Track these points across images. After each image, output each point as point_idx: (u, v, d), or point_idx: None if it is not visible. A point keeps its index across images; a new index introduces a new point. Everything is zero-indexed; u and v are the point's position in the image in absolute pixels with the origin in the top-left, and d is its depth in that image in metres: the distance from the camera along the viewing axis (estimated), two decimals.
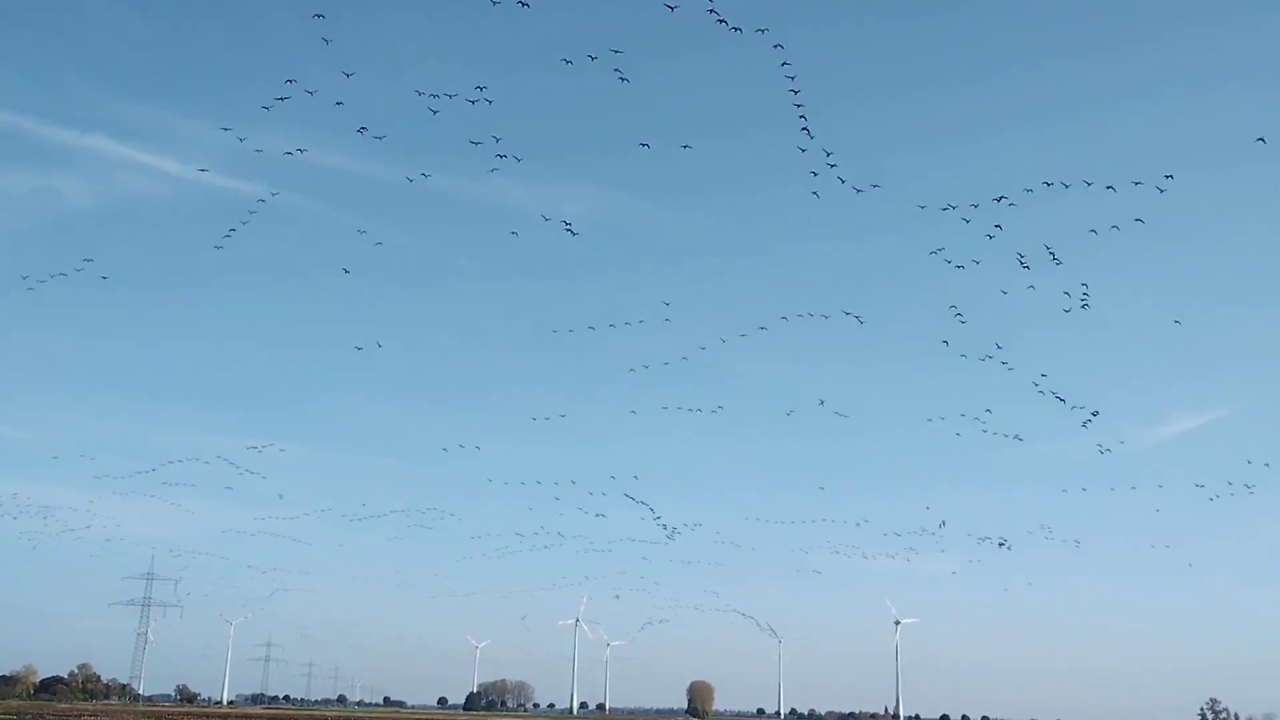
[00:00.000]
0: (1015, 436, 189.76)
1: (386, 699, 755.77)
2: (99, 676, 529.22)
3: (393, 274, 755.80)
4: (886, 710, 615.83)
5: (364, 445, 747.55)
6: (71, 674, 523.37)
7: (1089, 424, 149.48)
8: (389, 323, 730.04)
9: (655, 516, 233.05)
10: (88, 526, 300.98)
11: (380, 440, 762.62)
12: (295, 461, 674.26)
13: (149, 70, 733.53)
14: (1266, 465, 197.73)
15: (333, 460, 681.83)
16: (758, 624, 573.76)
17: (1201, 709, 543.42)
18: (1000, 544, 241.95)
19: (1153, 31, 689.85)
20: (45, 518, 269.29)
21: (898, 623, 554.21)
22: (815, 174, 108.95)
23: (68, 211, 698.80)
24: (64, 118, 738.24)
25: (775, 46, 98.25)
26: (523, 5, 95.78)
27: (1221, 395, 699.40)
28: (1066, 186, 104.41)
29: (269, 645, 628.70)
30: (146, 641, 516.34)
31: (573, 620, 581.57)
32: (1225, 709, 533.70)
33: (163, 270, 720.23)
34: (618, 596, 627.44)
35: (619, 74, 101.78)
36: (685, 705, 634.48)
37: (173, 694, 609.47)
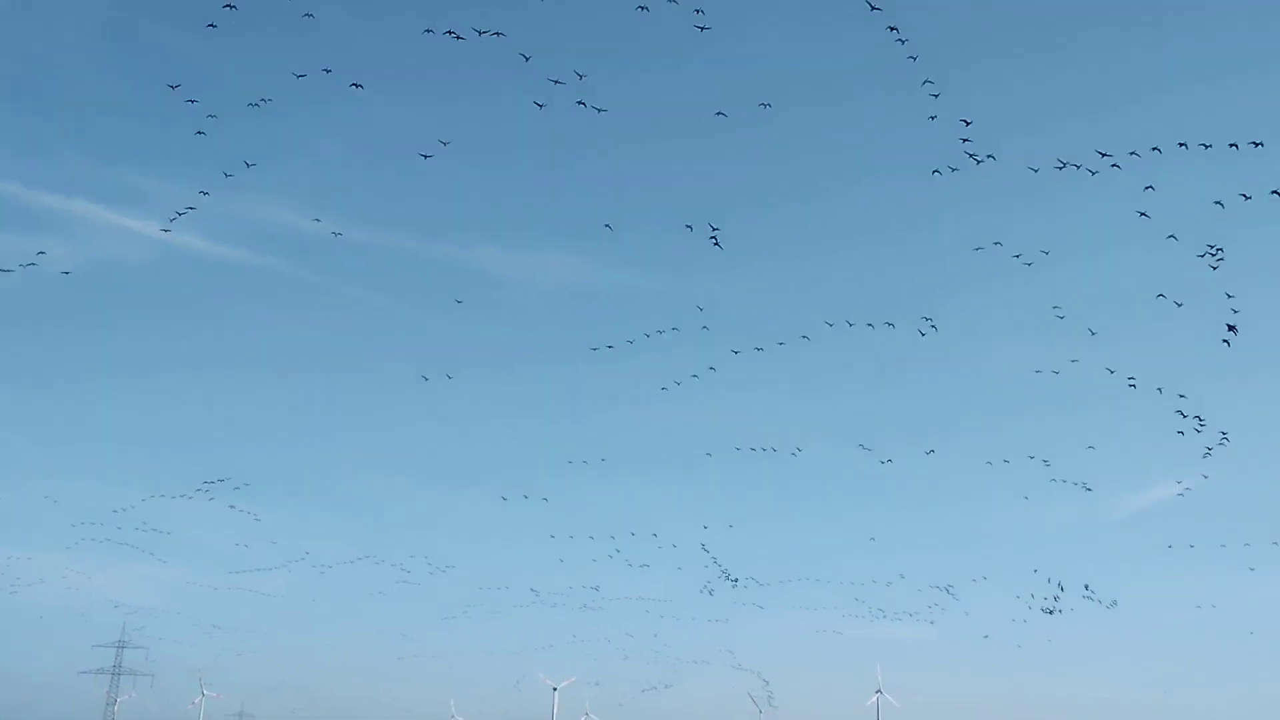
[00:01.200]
0: (1084, 485, 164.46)
1: None
2: None
3: (375, 332, 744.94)
4: None
5: (368, 501, 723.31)
6: None
7: (1211, 453, 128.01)
8: (381, 386, 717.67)
9: (722, 571, 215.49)
10: (40, 580, 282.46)
11: (380, 497, 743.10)
12: (281, 520, 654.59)
13: (133, 135, 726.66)
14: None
15: (345, 517, 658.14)
16: (753, 696, 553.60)
17: None
18: (1050, 610, 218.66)
19: None
20: None
21: (879, 692, 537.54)
22: (953, 169, 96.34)
23: (48, 275, 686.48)
24: (49, 182, 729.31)
25: (872, 9, 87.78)
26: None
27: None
28: (1207, 147, 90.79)
29: (241, 715, 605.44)
30: (115, 712, 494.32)
31: (553, 686, 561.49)
32: None
33: (142, 331, 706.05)
34: (626, 657, 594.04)
35: (700, 19, 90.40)
36: None
37: None
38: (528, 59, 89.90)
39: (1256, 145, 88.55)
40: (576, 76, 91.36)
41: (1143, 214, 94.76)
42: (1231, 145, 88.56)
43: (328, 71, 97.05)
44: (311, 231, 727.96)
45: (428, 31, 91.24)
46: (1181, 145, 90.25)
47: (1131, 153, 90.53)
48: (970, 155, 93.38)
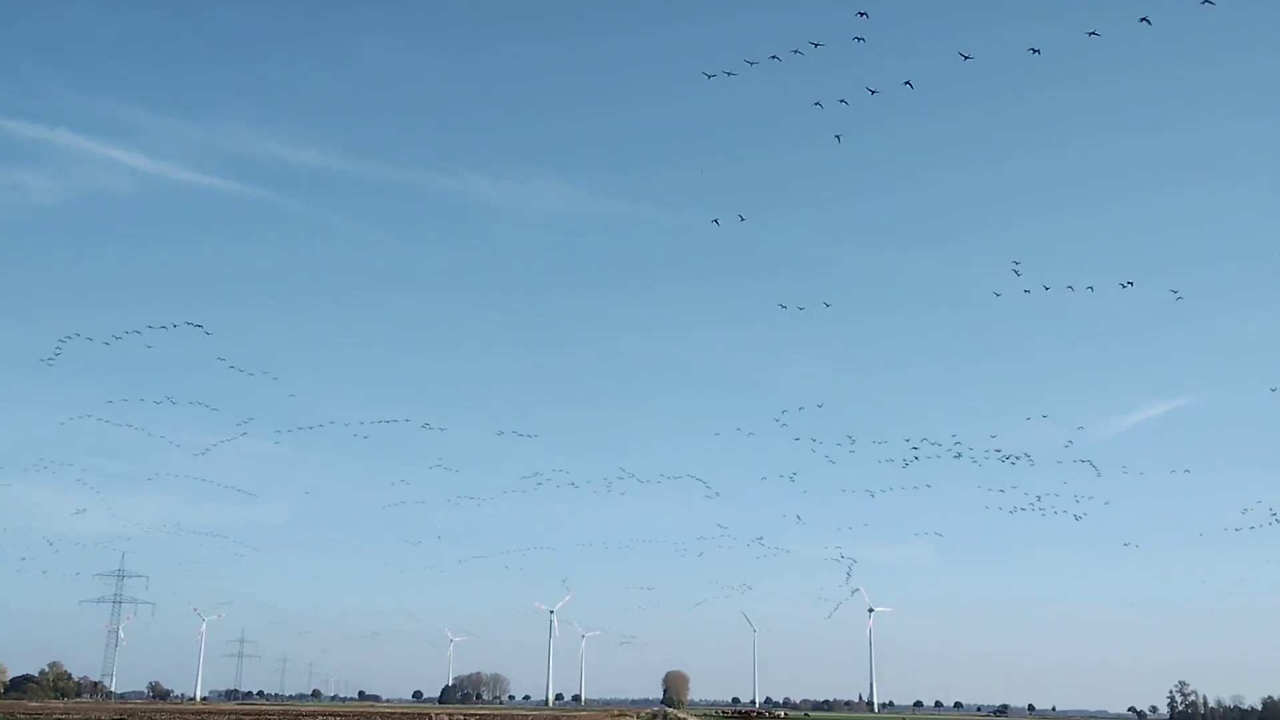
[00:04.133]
0: None
1: (361, 693, 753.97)
2: (70, 675, 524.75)
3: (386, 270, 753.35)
4: (860, 698, 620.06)
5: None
6: (42, 672, 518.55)
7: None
8: (372, 312, 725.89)
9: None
10: (42, 504, 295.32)
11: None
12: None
13: (116, 65, 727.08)
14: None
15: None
16: (747, 615, 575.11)
17: (1170, 692, 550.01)
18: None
19: None
20: None
21: (870, 610, 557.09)
22: None
23: (34, 208, 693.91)
24: (30, 112, 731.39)
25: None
26: None
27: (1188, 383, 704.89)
28: None
29: (242, 641, 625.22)
30: (118, 639, 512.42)
31: (548, 608, 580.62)
32: (1194, 691, 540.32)
33: (129, 264, 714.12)
34: (700, 554, 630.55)
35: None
36: (661, 695, 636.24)
37: (145, 691, 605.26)
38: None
39: None
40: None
41: None
42: None
43: None
44: (300, 162, 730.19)
45: None
46: None
47: None
48: None
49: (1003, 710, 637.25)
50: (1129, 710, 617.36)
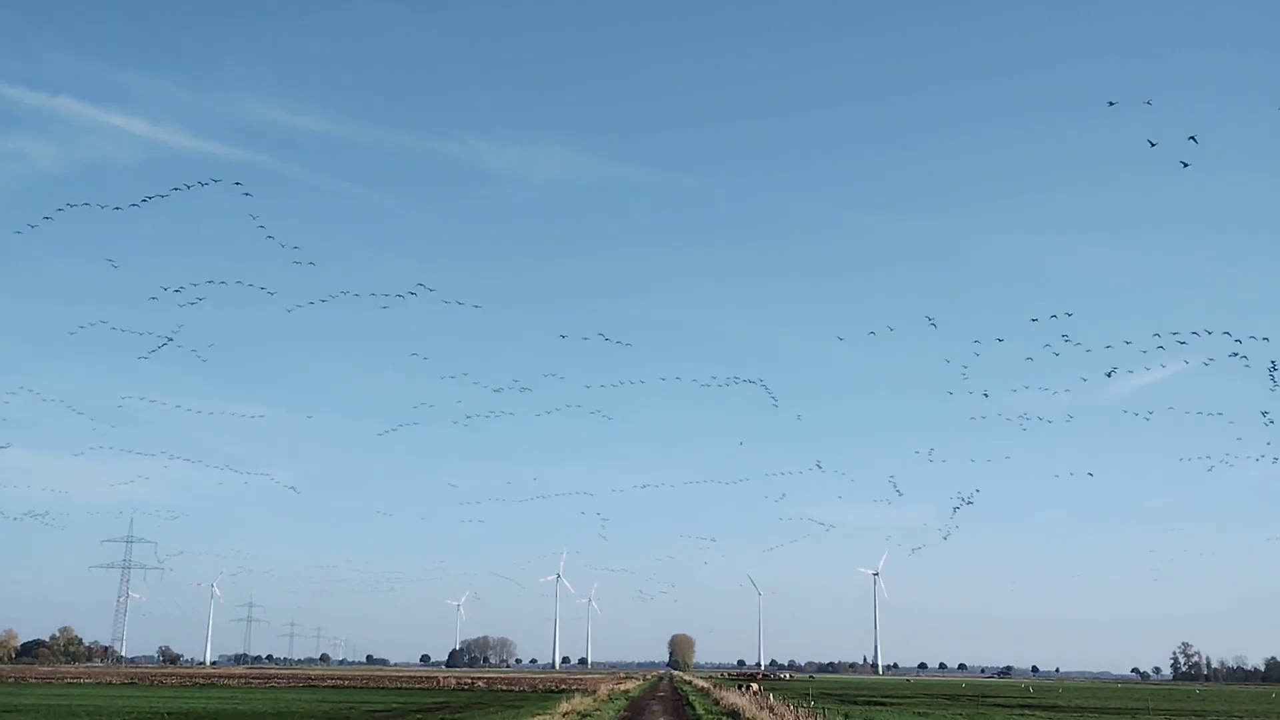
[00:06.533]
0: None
1: (369, 657, 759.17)
2: (81, 639, 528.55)
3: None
4: (865, 660, 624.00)
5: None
6: (53, 637, 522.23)
7: None
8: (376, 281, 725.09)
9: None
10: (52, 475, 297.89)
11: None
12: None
13: (115, 30, 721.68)
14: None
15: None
16: (752, 578, 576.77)
17: (1174, 653, 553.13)
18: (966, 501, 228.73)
19: None
20: None
21: (875, 574, 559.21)
22: None
23: (36, 176, 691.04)
24: (31, 79, 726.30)
25: None
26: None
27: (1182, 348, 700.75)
28: None
29: (250, 605, 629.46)
30: (127, 604, 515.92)
31: (553, 576, 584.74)
32: (1197, 652, 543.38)
33: (132, 233, 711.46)
34: (784, 496, 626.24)
35: None
36: (667, 659, 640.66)
37: (155, 656, 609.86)
38: None
39: None
40: None
41: None
42: None
43: None
44: (302, 128, 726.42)
45: None
46: None
47: None
48: None
49: (1006, 672, 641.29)
50: (1132, 671, 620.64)
